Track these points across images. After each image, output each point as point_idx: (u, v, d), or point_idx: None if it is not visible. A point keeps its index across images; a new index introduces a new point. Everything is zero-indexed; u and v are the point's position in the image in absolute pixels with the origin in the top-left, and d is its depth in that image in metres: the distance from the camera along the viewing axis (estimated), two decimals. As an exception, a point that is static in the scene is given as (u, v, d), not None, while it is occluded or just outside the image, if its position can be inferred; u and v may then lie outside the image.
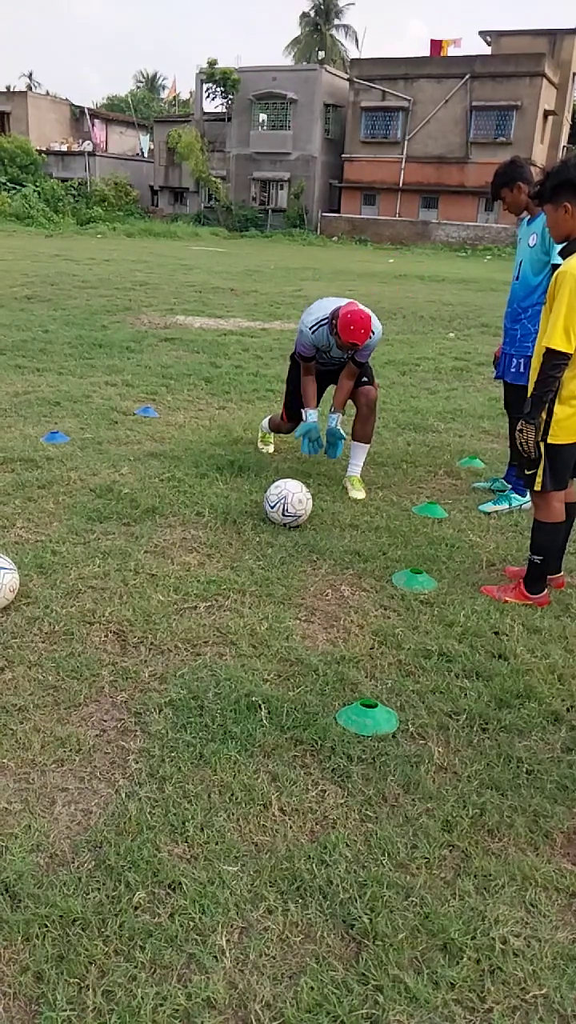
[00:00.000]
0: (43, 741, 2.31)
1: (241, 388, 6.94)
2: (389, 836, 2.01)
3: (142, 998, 1.57)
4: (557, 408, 3.04)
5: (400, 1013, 1.57)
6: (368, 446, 4.67)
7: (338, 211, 39.62)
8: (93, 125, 43.55)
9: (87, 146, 41.67)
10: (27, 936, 1.69)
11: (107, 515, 3.93)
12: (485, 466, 5.17)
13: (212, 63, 38.81)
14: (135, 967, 1.63)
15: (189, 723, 2.40)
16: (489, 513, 4.34)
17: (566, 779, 2.24)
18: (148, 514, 3.97)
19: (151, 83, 66.38)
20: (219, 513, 4.02)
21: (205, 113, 41.16)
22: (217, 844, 1.96)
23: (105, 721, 2.43)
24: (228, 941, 1.71)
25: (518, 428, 3.07)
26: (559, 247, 3.20)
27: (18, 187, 36.05)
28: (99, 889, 1.81)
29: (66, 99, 44.61)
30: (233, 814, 2.06)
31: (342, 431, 4.64)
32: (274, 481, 4.02)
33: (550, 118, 37.63)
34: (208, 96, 40.44)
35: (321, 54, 45.72)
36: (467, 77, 35.59)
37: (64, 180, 38.95)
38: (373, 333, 4.27)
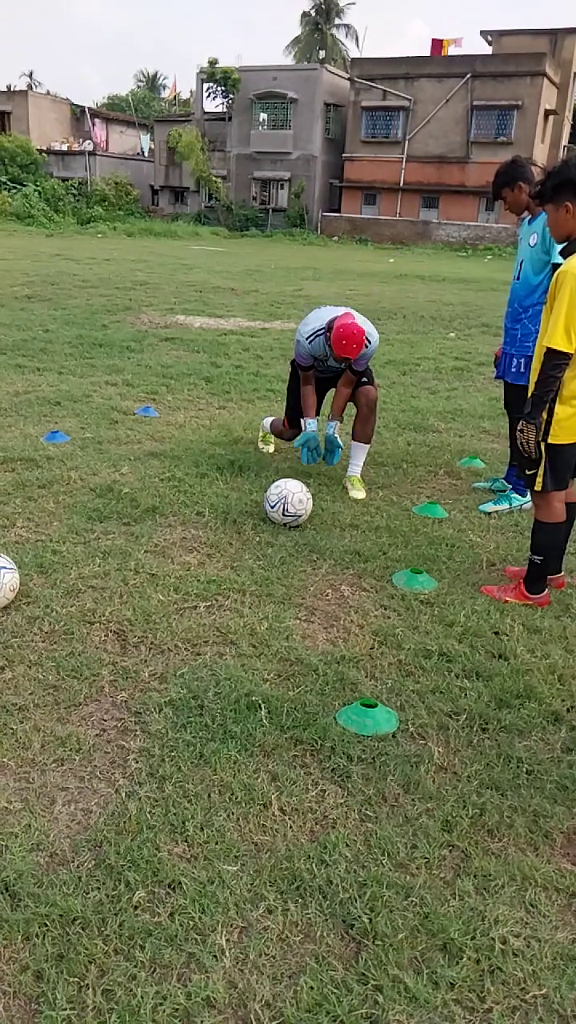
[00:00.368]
0: (43, 740, 2.31)
1: (241, 388, 6.94)
2: (389, 836, 2.01)
3: (142, 997, 1.57)
4: (558, 408, 3.04)
5: (400, 1013, 1.57)
6: (368, 446, 4.68)
7: (338, 211, 39.61)
8: (94, 124, 43.53)
9: (88, 145, 41.64)
10: (27, 935, 1.70)
11: (107, 515, 3.93)
12: (485, 466, 5.17)
13: (213, 62, 38.79)
14: (135, 966, 1.64)
15: (189, 723, 2.40)
16: (489, 513, 4.34)
17: (566, 779, 2.25)
18: (148, 514, 3.97)
19: (152, 83, 66.36)
20: (219, 513, 4.02)
21: (206, 112, 41.14)
22: (217, 844, 1.96)
23: (105, 720, 2.43)
24: (228, 940, 1.71)
25: (519, 428, 3.07)
26: (560, 247, 3.20)
27: (19, 186, 36.04)
28: (99, 888, 1.82)
29: (67, 99, 44.60)
30: (233, 814, 2.06)
31: (339, 439, 4.69)
32: (274, 481, 4.02)
33: (551, 118, 37.62)
34: (209, 95, 40.42)
35: (322, 53, 45.70)
36: (468, 76, 35.57)
37: (65, 179, 38.92)
38: (369, 343, 4.31)
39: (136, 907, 1.77)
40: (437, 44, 38.38)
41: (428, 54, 38.36)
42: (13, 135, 38.71)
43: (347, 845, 1.98)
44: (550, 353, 2.95)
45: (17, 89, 44.96)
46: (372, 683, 2.70)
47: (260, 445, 5.20)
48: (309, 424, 4.60)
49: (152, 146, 44.60)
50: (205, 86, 40.17)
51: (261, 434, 5.22)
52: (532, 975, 1.67)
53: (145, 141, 46.07)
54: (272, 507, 3.89)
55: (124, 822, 2.01)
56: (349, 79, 38.60)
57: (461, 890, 1.87)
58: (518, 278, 4.19)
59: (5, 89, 43.77)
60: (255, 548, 3.67)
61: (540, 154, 35.30)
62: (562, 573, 3.53)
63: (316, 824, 2.06)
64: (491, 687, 2.68)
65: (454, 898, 1.85)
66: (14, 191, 35.54)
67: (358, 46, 74.31)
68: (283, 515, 3.88)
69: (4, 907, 1.76)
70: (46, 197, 36.09)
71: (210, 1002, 1.58)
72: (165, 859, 1.90)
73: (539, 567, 3.27)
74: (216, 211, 40.32)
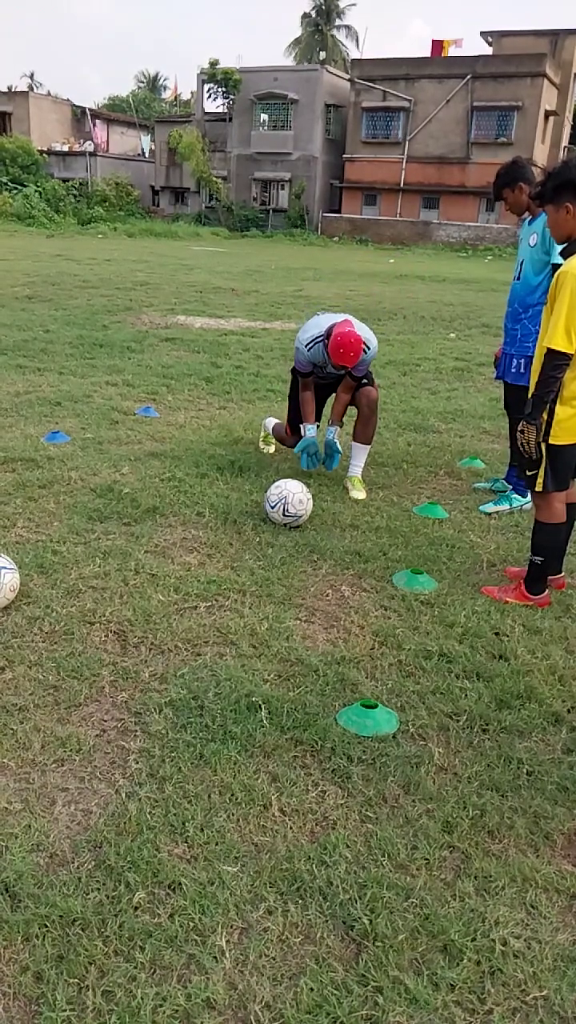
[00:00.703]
0: (43, 741, 2.31)
1: (242, 388, 6.94)
2: (389, 837, 2.01)
3: (142, 998, 1.57)
4: (558, 408, 3.04)
5: (400, 1014, 1.57)
6: (369, 447, 4.68)
7: (339, 211, 39.62)
8: (94, 125, 43.55)
9: (88, 146, 41.67)
10: (27, 936, 1.69)
11: (108, 515, 3.93)
12: (486, 466, 5.16)
13: (213, 63, 38.81)
14: (135, 967, 1.63)
15: (189, 723, 2.40)
16: (490, 513, 4.34)
17: (566, 780, 2.24)
18: (149, 514, 3.97)
19: (152, 83, 66.39)
20: (219, 513, 4.02)
21: (206, 113, 41.16)
22: (217, 844, 1.96)
23: (105, 721, 2.43)
24: (228, 942, 1.71)
25: (519, 429, 3.07)
26: (560, 247, 3.20)
27: (19, 187, 36.05)
28: (99, 889, 1.81)
29: (67, 99, 44.65)
30: (233, 814, 2.06)
31: (339, 444, 4.73)
32: (275, 481, 4.02)
33: (551, 118, 37.64)
34: (209, 96, 40.44)
35: (322, 54, 45.76)
36: (468, 77, 35.58)
37: (65, 180, 38.93)
38: (368, 350, 4.35)
39: (136, 908, 1.77)
40: (437, 45, 38.42)
41: (428, 55, 38.39)
42: (14, 136, 38.74)
43: (347, 846, 1.98)
44: (550, 354, 2.95)
45: (18, 90, 45.01)
46: (372, 684, 2.69)
47: (261, 445, 5.20)
48: (309, 430, 4.64)
49: (153, 147, 44.63)
50: (206, 87, 40.19)
51: (262, 434, 5.23)
52: (533, 977, 1.67)
53: (146, 142, 46.08)
54: (272, 507, 3.89)
55: (124, 823, 2.01)
56: (349, 80, 38.62)
57: (461, 891, 1.87)
58: (518, 278, 4.19)
59: (6, 90, 43.84)
60: (255, 548, 3.67)
61: (540, 155, 35.31)
62: (562, 574, 3.53)
63: (316, 825, 2.06)
64: (492, 688, 2.68)
65: (454, 899, 1.84)
66: (15, 192, 35.56)
67: (358, 47, 74.19)
68: (283, 515, 3.88)
69: (4, 908, 1.75)
70: (47, 198, 36.12)
71: (210, 1003, 1.58)
72: (165, 860, 1.90)
73: (539, 568, 3.27)
74: (217, 212, 40.33)
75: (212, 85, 39.74)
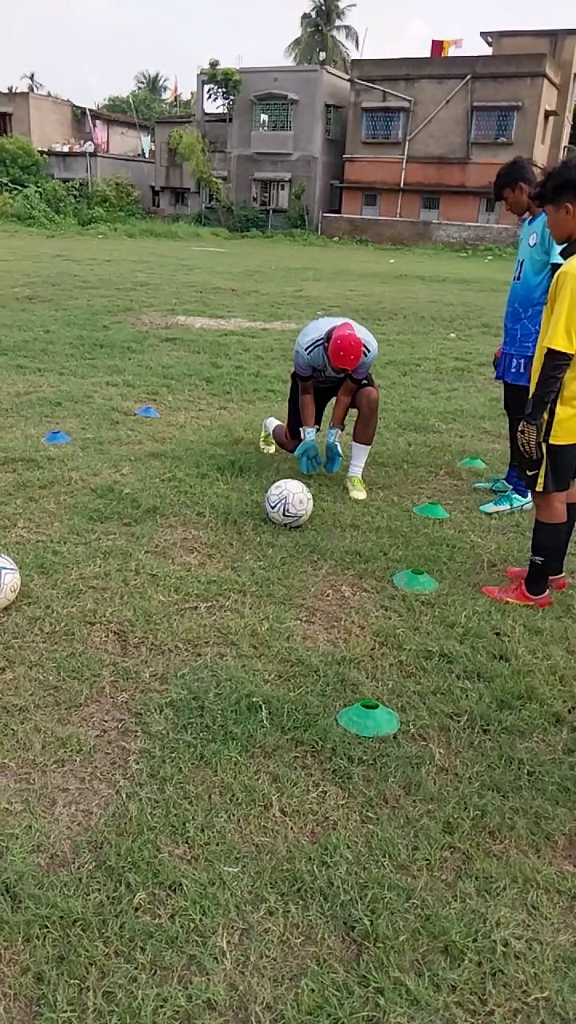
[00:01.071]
0: (44, 741, 2.31)
1: (242, 388, 6.94)
2: (390, 838, 2.01)
3: (142, 999, 1.56)
4: (559, 408, 3.04)
5: (401, 1015, 1.57)
6: (369, 447, 4.68)
7: (339, 211, 39.62)
8: (94, 126, 43.57)
9: (88, 147, 41.69)
10: (27, 937, 1.69)
11: (108, 515, 3.93)
12: (486, 467, 5.16)
13: (213, 64, 38.81)
14: (136, 968, 1.63)
15: (190, 724, 2.40)
16: (490, 514, 4.34)
17: (567, 781, 2.24)
18: (149, 514, 3.97)
19: (152, 84, 66.40)
20: (220, 513, 4.02)
21: (206, 114, 41.16)
22: (218, 845, 1.95)
23: (106, 721, 2.43)
24: (229, 942, 1.71)
25: (520, 429, 3.06)
26: (559, 247, 3.20)
27: (20, 188, 36.06)
28: (99, 890, 1.81)
29: (67, 100, 44.64)
30: (234, 815, 2.06)
31: (340, 447, 4.74)
32: (275, 481, 4.02)
33: (551, 118, 37.63)
34: (209, 97, 40.44)
35: (322, 55, 45.75)
36: (468, 77, 35.58)
37: (65, 181, 38.93)
38: (368, 352, 4.37)
39: (137, 909, 1.77)
40: (437, 45, 38.43)
41: (428, 55, 38.40)
42: (14, 136, 38.76)
43: (348, 847, 1.98)
44: (551, 354, 2.95)
45: (18, 91, 45.03)
46: (373, 684, 2.69)
47: (261, 446, 5.20)
48: (308, 433, 4.66)
49: (153, 147, 44.63)
50: (206, 87, 40.19)
51: (262, 435, 5.23)
52: (534, 977, 1.67)
53: (146, 142, 46.09)
54: (273, 508, 3.89)
55: (125, 823, 2.01)
56: (349, 80, 38.62)
57: (462, 892, 1.86)
58: (518, 278, 4.18)
59: (6, 91, 43.85)
60: (256, 549, 3.67)
61: (540, 155, 35.30)
62: (563, 574, 3.53)
63: (317, 825, 2.06)
64: (492, 688, 2.68)
65: (455, 900, 1.84)
66: (15, 192, 35.56)
67: (358, 47, 74.20)
68: (284, 516, 3.88)
69: (5, 909, 1.75)
70: (47, 198, 36.11)
71: (211, 1004, 1.58)
72: (166, 860, 1.90)
73: (540, 568, 3.27)
74: (217, 212, 40.34)
75: (212, 85, 39.74)
